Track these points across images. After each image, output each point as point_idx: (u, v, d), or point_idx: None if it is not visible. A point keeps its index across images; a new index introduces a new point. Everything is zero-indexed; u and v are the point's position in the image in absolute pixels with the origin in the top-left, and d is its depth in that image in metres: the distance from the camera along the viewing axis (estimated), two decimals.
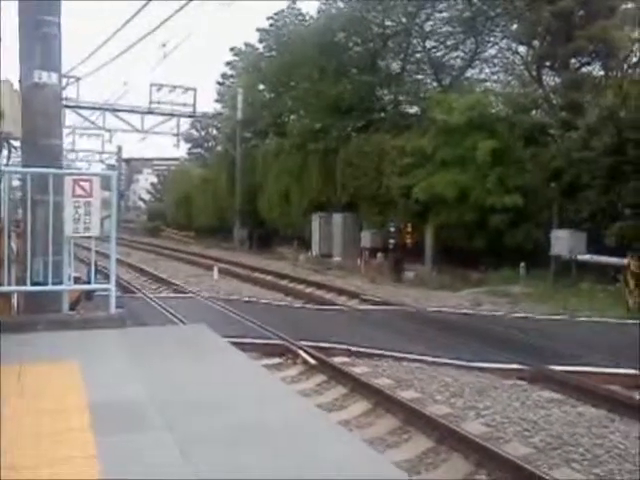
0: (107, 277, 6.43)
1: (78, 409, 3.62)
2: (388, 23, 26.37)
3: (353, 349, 9.57)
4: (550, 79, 22.49)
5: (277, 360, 9.24)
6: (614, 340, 10.63)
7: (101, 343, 5.41)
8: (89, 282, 6.43)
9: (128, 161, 61.60)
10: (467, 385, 7.94)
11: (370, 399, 7.28)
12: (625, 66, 20.97)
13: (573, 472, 5.44)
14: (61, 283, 5.84)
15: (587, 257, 15.42)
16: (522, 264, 16.59)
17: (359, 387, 7.67)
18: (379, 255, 20.63)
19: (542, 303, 14.37)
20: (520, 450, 5.80)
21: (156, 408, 3.70)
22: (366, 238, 21.99)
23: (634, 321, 12.14)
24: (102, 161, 52.67)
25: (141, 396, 3.91)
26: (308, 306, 14.72)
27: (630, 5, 20.57)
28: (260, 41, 35.13)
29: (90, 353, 4.99)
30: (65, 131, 35.62)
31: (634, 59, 21.42)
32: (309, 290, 17.48)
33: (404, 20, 25.73)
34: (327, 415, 5.97)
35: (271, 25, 33.98)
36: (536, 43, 21.80)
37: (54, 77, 5.91)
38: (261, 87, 34.78)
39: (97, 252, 6.29)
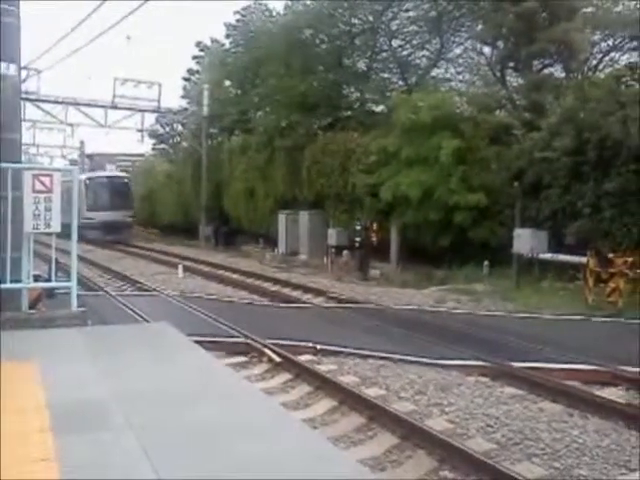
0: (68, 274, 6.31)
1: (37, 409, 3.55)
2: (355, 21, 26.44)
3: (319, 347, 9.59)
4: (514, 80, 22.85)
5: (242, 358, 9.19)
6: (573, 337, 10.86)
7: (62, 342, 5.31)
8: (49, 280, 6.31)
9: (91, 156, 60.51)
10: (431, 382, 8.02)
11: (335, 397, 7.31)
12: (585, 68, 21.44)
13: (534, 466, 5.54)
14: (20, 281, 5.72)
15: (548, 255, 15.71)
16: (485, 262, 16.83)
17: (325, 385, 7.68)
18: (345, 253, 20.70)
19: (505, 301, 14.60)
20: (483, 446, 5.89)
21: (118, 408, 3.64)
22: (332, 236, 22.03)
23: (593, 318, 12.44)
24: (64, 156, 51.60)
25: (103, 396, 3.85)
26: (274, 304, 14.68)
27: (590, 9, 21.05)
28: (227, 36, 34.91)
29: (50, 352, 4.90)
30: (25, 125, 34.77)
31: (594, 62, 21.93)
32: (275, 288, 17.44)
33: (371, 18, 25.82)
34: (291, 414, 5.97)
35: (238, 20, 33.82)
36: (500, 44, 22.12)
37: (12, 68, 5.77)
38: (227, 83, 34.54)
39: (58, 249, 6.16)
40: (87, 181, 35.99)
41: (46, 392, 3.87)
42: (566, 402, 7.29)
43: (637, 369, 8.24)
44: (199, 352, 5.31)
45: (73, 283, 6.01)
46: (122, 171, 63.24)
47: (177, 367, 4.68)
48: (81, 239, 32.86)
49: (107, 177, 38.70)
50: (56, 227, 5.83)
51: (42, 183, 5.67)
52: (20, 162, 6.24)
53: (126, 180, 39.66)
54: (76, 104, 34.92)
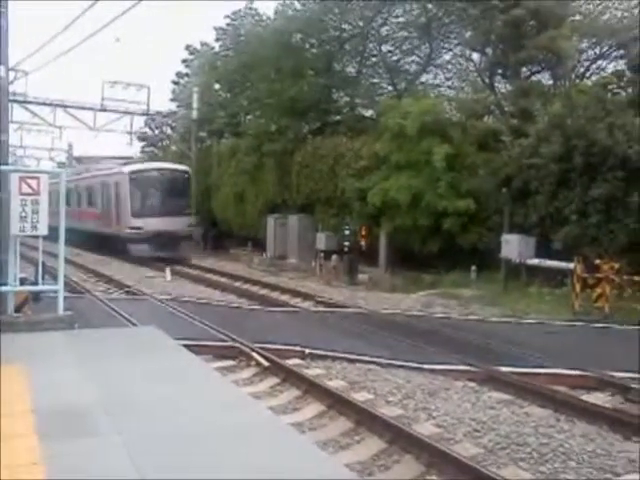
0: (55, 278, 6.27)
1: (23, 414, 3.52)
2: (345, 26, 26.52)
3: (307, 351, 9.58)
4: (502, 86, 23.01)
5: (230, 362, 9.17)
6: (560, 342, 10.93)
7: (48, 346, 5.28)
8: (36, 283, 6.27)
9: (79, 159, 60.25)
10: (419, 387, 8.04)
11: (323, 401, 7.30)
12: (573, 75, 21.62)
13: (520, 471, 5.57)
14: (6, 284, 5.68)
15: (536, 261, 15.81)
16: (473, 267, 16.90)
17: (312, 389, 7.68)
18: (334, 257, 20.71)
19: (492, 306, 14.67)
20: (470, 450, 5.91)
21: (105, 412, 3.63)
22: (321, 240, 22.04)
23: (580, 323, 12.53)
24: (51, 158, 51.33)
25: (90, 400, 3.83)
26: (262, 308, 14.66)
27: (578, 17, 21.25)
28: (216, 40, 34.91)
29: (37, 356, 4.87)
30: (12, 127, 34.44)
31: (581, 69, 22.13)
32: (263, 292, 17.41)
33: (361, 24, 25.91)
34: (279, 418, 5.96)
35: (228, 24, 33.85)
36: (489, 51, 22.27)
37: (1, 70, 5.74)
38: (217, 86, 34.50)
39: (45, 252, 6.13)
40: (132, 175, 26.21)
41: (33, 396, 3.84)
42: (553, 407, 7.34)
43: (623, 374, 8.31)
44: (187, 356, 5.30)
45: (60, 286, 5.99)
46: None
47: (165, 371, 4.66)
48: (124, 254, 24.01)
49: (159, 170, 27.61)
50: (43, 230, 5.80)
51: (29, 185, 5.64)
52: (7, 164, 6.20)
53: (186, 174, 28.20)
54: (64, 106, 34.72)
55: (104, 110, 34.53)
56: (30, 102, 33.77)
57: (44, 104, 34.46)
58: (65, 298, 6.06)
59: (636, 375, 8.17)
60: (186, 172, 28.09)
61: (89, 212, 29.19)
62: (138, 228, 24.96)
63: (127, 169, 26.89)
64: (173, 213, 25.80)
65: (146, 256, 23.84)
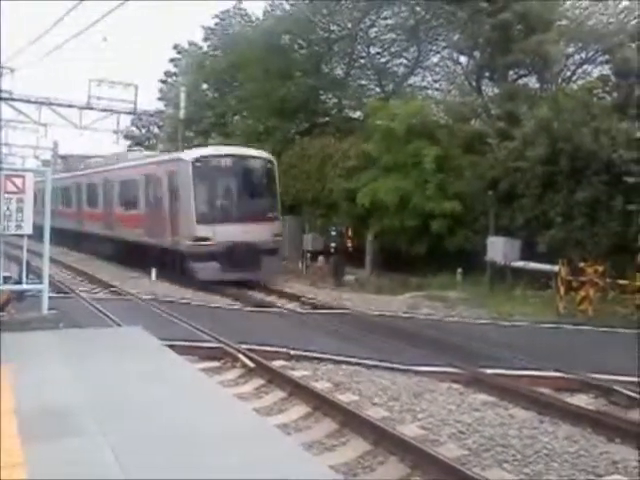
0: (40, 277, 6.23)
1: (6, 414, 3.49)
2: (333, 28, 26.60)
3: (293, 352, 9.57)
4: (489, 89, 23.14)
5: (216, 363, 9.15)
6: (545, 344, 11.00)
7: (33, 345, 5.24)
8: (20, 282, 6.23)
9: (65, 157, 59.81)
10: (404, 388, 8.06)
11: (309, 402, 7.30)
12: (559, 79, 21.80)
13: (504, 472, 5.60)
14: None
15: (521, 263, 15.90)
16: (459, 270, 16.97)
17: (298, 391, 7.67)
18: (320, 258, 20.69)
19: (478, 308, 14.73)
20: (454, 452, 5.93)
21: (90, 412, 3.61)
22: (308, 241, 22.03)
23: (564, 326, 12.61)
24: (37, 157, 50.89)
25: (74, 400, 3.81)
26: (248, 309, 14.62)
27: (564, 22, 21.42)
28: (205, 40, 34.85)
29: (21, 355, 4.83)
30: None
31: (568, 73, 22.32)
32: (249, 293, 17.35)
33: (349, 25, 26.00)
34: (264, 419, 5.95)
35: (216, 24, 33.80)
36: (477, 54, 22.39)
37: None
38: (204, 86, 34.45)
39: (29, 251, 6.08)
40: (196, 164, 18.24)
41: (16, 396, 3.81)
42: (537, 409, 7.38)
43: (607, 377, 8.38)
44: (172, 356, 5.28)
45: (45, 286, 5.95)
46: None
47: (150, 371, 4.65)
48: (184, 277, 17.98)
49: (234, 157, 19.09)
50: (27, 229, 5.76)
51: (14, 184, 5.60)
52: None
53: (270, 164, 19.77)
54: (50, 104, 34.42)
55: (90, 108, 34.29)
56: (15, 99, 33.45)
57: (30, 101, 34.16)
58: (49, 297, 6.01)
59: (619, 378, 8.24)
60: (270, 161, 19.78)
61: (126, 216, 22.26)
62: (205, 239, 17.64)
63: (190, 156, 18.97)
64: (254, 218, 18.45)
65: (216, 279, 17.27)
